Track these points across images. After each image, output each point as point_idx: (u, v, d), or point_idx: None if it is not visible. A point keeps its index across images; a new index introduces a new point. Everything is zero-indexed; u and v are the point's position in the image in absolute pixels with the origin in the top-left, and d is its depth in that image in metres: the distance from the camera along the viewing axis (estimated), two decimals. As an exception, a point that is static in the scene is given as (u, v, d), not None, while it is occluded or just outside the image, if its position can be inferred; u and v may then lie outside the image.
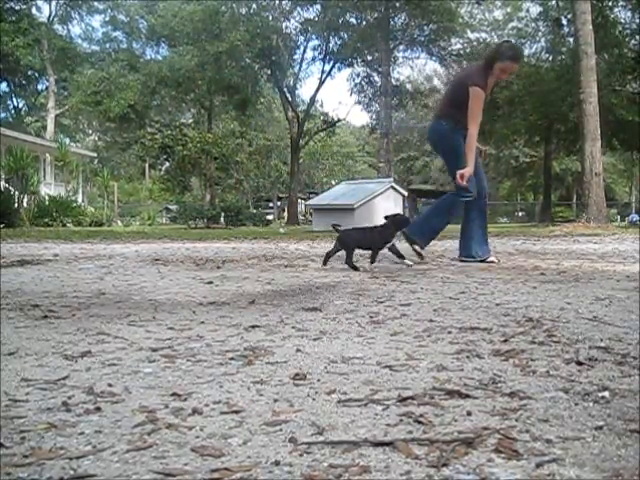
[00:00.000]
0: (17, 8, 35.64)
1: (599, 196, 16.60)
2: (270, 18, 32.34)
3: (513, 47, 5.42)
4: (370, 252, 4.76)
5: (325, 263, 4.76)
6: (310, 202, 21.78)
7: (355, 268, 4.49)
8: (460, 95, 5.00)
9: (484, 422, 1.16)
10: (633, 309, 2.55)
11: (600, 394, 1.33)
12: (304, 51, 34.58)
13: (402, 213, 4.97)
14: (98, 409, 1.26)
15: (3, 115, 43.63)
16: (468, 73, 5.23)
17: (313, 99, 34.94)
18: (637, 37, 28.48)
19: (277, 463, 0.97)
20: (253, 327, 2.21)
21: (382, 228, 4.79)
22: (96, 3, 38.59)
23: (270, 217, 34.36)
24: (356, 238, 4.71)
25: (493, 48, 5.67)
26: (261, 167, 44.14)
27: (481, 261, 5.10)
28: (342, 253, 4.69)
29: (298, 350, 1.82)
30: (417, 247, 5.18)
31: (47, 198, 18.97)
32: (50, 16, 39.05)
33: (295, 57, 34.83)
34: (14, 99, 44.82)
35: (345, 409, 1.25)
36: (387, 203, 17.36)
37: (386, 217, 4.93)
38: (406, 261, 4.75)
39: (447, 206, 5.30)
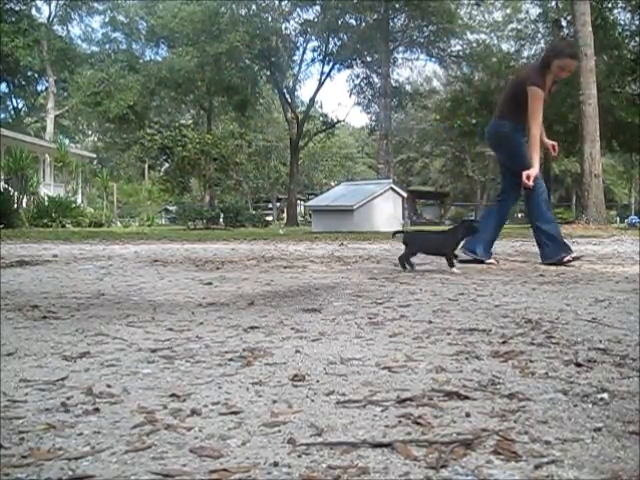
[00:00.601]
0: (17, 9, 35.65)
1: (598, 198, 16.62)
2: (270, 19, 32.39)
3: (570, 44, 5.38)
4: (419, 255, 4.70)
5: (404, 267, 4.55)
6: (309, 203, 21.80)
7: (404, 267, 4.46)
8: (519, 95, 4.99)
9: (483, 423, 1.16)
10: (632, 311, 2.55)
11: (599, 396, 1.33)
12: (303, 52, 34.72)
13: (473, 219, 4.80)
14: (97, 410, 1.26)
15: (3, 116, 43.69)
16: (526, 73, 5.18)
17: (312, 100, 35.00)
18: (636, 38, 28.51)
19: (276, 464, 0.97)
20: (252, 328, 2.21)
21: (450, 233, 4.71)
22: (96, 4, 38.65)
23: (269, 218, 34.38)
24: (420, 241, 4.66)
25: (549, 47, 5.62)
26: (260, 168, 44.17)
27: (480, 262, 5.09)
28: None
29: (297, 351, 1.82)
30: (568, 257, 4.99)
31: (46, 199, 18.96)
32: (50, 17, 39.10)
33: (294, 58, 34.95)
34: (14, 100, 44.86)
35: (344, 410, 1.25)
36: (386, 204, 17.38)
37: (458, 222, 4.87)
38: (454, 270, 4.52)
39: (541, 208, 5.20)
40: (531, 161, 4.94)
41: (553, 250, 5.01)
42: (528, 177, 4.90)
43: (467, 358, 1.71)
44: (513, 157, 5.23)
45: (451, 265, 4.44)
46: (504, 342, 1.93)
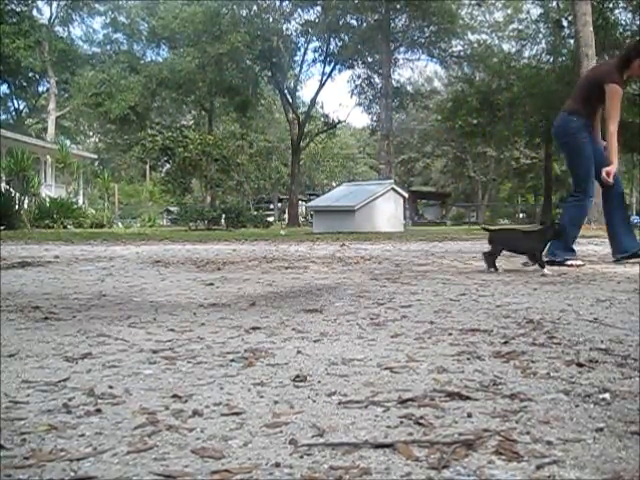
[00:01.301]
0: (18, 10, 35.70)
1: (599, 197, 16.60)
2: (271, 20, 32.41)
3: None
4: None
5: (493, 267, 4.44)
6: (310, 204, 21.81)
7: (492, 267, 4.33)
8: (594, 92, 4.96)
9: (484, 424, 1.16)
10: (633, 311, 2.55)
11: (601, 396, 1.33)
12: (305, 53, 34.72)
13: (560, 223, 4.70)
14: (99, 411, 1.26)
15: (4, 117, 43.71)
16: (604, 71, 5.13)
17: (314, 101, 35.02)
18: (637, 39, 28.48)
19: (277, 465, 0.97)
20: (254, 329, 2.21)
21: (538, 233, 4.61)
22: (97, 5, 38.69)
23: (271, 219, 34.39)
24: (506, 238, 4.57)
25: (632, 45, 5.56)
26: (262, 169, 44.17)
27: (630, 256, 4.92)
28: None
29: (299, 352, 1.82)
30: (572, 262, 4.93)
31: (48, 200, 18.98)
32: (51, 18, 39.16)
33: (296, 59, 34.97)
34: (15, 101, 44.93)
35: (345, 411, 1.25)
36: (388, 205, 17.39)
37: (542, 223, 4.80)
38: (545, 270, 4.38)
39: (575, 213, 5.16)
40: (610, 158, 4.93)
41: (564, 249, 4.96)
42: (608, 174, 4.89)
43: (469, 358, 1.71)
44: (573, 154, 5.18)
45: (542, 266, 4.37)
46: (505, 342, 1.93)
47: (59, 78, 37.94)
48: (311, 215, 24.30)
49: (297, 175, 34.77)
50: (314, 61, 35.57)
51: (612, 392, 1.36)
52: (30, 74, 40.25)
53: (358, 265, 5.29)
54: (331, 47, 33.80)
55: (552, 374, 1.53)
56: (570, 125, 5.13)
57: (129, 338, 2.05)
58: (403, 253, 7.06)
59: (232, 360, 1.72)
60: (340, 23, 32.14)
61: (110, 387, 1.45)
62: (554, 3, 32.02)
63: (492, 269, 4.40)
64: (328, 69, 34.18)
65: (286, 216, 36.39)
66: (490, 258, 4.46)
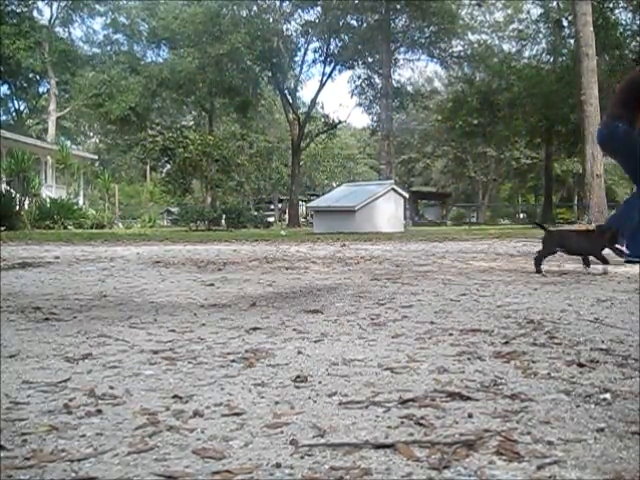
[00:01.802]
0: (18, 11, 35.69)
1: (600, 197, 16.61)
2: (271, 20, 32.41)
3: None
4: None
5: (539, 267, 4.32)
6: (311, 204, 21.80)
7: (538, 271, 4.25)
8: (635, 95, 4.96)
9: (485, 424, 1.16)
10: (634, 311, 2.54)
11: (601, 396, 1.33)
12: (305, 53, 34.72)
13: (615, 228, 4.58)
14: (99, 411, 1.26)
15: (4, 117, 43.66)
16: None
17: (314, 101, 35.02)
18: (638, 38, 28.52)
19: (278, 465, 0.97)
20: (254, 329, 2.21)
21: (594, 238, 4.47)
22: (97, 6, 38.68)
23: (271, 219, 34.39)
24: (560, 240, 4.49)
25: None
26: (262, 169, 44.14)
27: None
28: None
29: (299, 352, 1.82)
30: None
31: (48, 200, 18.99)
32: (51, 19, 39.15)
33: (296, 59, 34.95)
34: (15, 101, 44.87)
35: (346, 411, 1.25)
36: (388, 205, 17.39)
37: (599, 227, 4.72)
38: (607, 267, 4.33)
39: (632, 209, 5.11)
40: None
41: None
42: None
43: (469, 359, 1.71)
44: (628, 158, 5.17)
45: (606, 262, 4.28)
46: (506, 343, 1.93)
47: (59, 79, 37.94)
48: (311, 215, 24.31)
49: (297, 175, 34.76)
50: (314, 61, 35.60)
51: (613, 392, 1.36)
52: (30, 75, 40.22)
53: (358, 265, 5.29)
54: (331, 47, 33.82)
55: (553, 374, 1.53)
56: (617, 131, 5.11)
57: (130, 339, 2.05)
58: (403, 253, 7.06)
59: (233, 360, 1.72)
60: (340, 23, 32.14)
61: (111, 388, 1.45)
62: (554, 3, 32.04)
63: (541, 272, 4.30)
64: (328, 69, 34.24)
65: (286, 216, 36.38)
66: (540, 259, 4.38)
